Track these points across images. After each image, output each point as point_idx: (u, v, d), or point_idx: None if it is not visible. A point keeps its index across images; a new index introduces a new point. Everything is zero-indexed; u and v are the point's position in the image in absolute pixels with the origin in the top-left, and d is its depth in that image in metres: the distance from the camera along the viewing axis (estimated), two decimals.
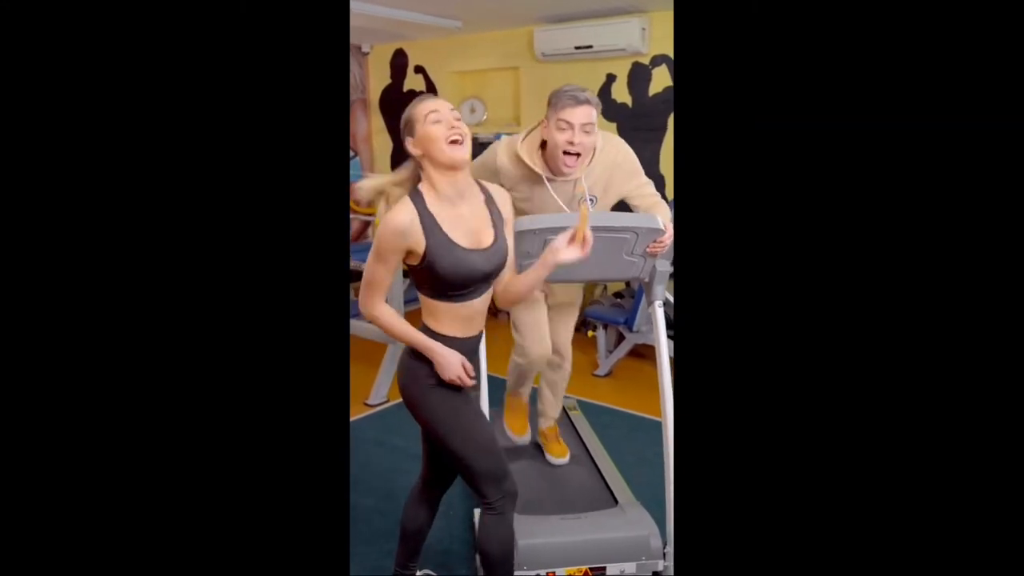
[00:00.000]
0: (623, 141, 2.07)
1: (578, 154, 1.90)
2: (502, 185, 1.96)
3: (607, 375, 3.86)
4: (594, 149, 1.97)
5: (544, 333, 2.30)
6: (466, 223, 1.53)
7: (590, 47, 4.12)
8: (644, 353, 3.96)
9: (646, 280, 2.01)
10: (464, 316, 1.57)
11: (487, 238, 1.55)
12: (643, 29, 4.01)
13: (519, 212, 2.01)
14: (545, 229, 1.81)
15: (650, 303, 2.03)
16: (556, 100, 1.90)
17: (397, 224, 1.45)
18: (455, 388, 1.58)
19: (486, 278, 1.55)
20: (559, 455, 2.49)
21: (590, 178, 2.01)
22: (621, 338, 3.85)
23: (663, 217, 1.98)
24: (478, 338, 1.65)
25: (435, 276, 1.50)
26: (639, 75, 4.19)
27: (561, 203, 2.00)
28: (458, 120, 1.49)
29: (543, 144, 1.98)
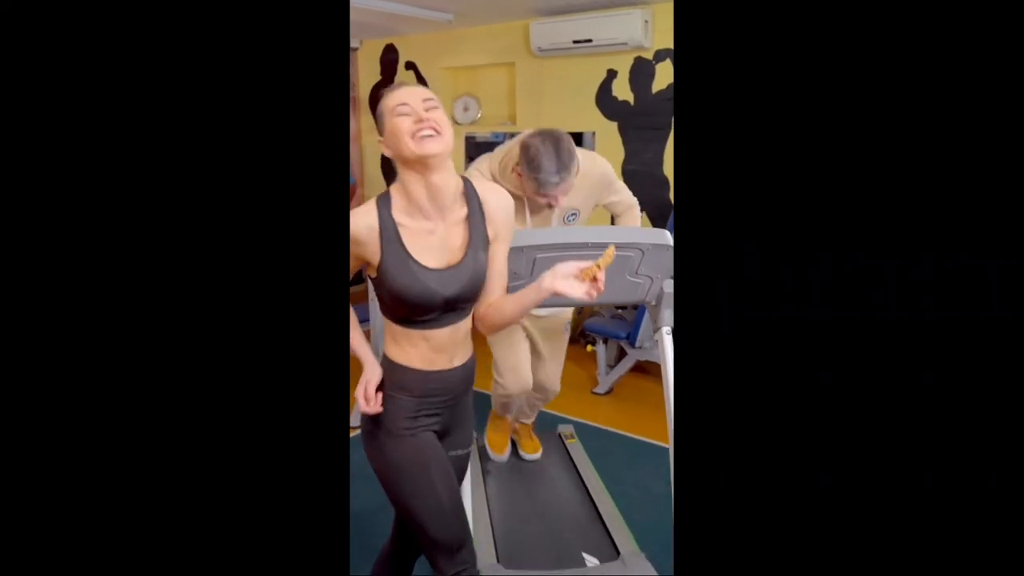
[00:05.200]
0: (599, 156, 2.08)
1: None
2: None
3: (607, 393, 3.59)
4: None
5: (521, 362, 2.16)
6: (436, 240, 1.30)
7: (589, 41, 3.88)
8: (648, 369, 3.69)
9: (652, 303, 1.75)
10: (429, 347, 1.34)
11: (454, 258, 1.31)
12: (646, 22, 3.77)
13: None
14: (534, 247, 1.55)
15: (656, 328, 1.77)
16: (534, 173, 1.79)
17: (353, 230, 1.25)
18: (422, 434, 1.35)
19: (448, 305, 1.30)
20: (531, 451, 2.54)
21: (572, 197, 1.95)
22: (623, 353, 3.59)
23: (631, 217, 2.14)
24: (458, 372, 1.39)
25: (390, 296, 1.29)
26: (641, 71, 3.95)
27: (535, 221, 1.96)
28: (431, 109, 1.26)
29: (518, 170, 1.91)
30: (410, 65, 5.01)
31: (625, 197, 2.15)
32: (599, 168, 2.04)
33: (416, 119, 1.24)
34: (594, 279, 1.23)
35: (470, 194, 1.34)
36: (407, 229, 1.28)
